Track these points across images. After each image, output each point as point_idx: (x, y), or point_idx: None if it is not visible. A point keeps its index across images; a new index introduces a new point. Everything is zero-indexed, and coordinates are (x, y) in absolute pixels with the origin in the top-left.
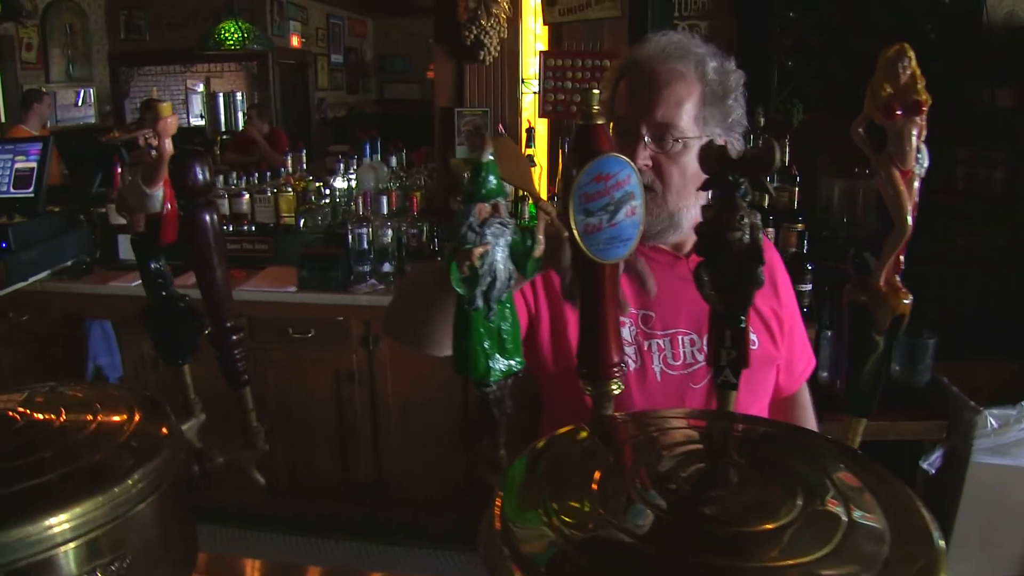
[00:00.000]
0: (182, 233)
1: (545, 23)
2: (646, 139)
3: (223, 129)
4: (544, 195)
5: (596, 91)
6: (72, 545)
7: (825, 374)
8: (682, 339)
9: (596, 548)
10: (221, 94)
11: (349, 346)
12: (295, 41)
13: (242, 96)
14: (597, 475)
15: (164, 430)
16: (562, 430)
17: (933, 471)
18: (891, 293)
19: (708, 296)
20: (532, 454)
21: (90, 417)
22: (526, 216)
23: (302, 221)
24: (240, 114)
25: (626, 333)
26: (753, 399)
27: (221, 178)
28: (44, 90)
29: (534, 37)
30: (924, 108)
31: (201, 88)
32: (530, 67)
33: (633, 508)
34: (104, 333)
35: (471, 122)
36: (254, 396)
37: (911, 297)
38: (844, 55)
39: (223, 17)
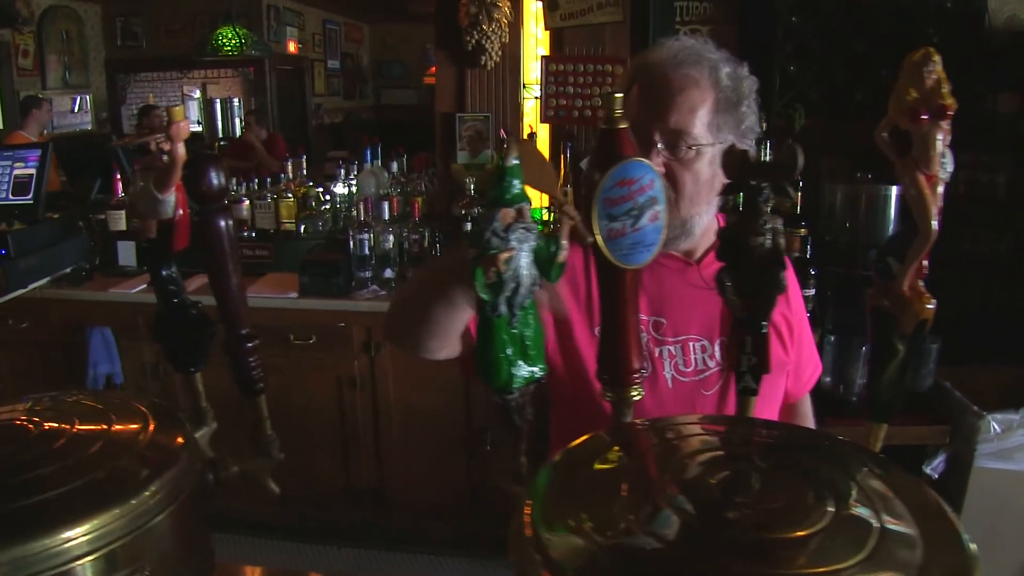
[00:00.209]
0: (192, 239)
1: (547, 28)
2: (659, 145)
3: (220, 135)
4: (544, 201)
5: (619, 95)
6: (90, 558)
7: (828, 379)
8: (693, 345)
9: (628, 554)
10: (218, 100)
11: (351, 352)
12: (292, 47)
13: (239, 102)
14: (624, 481)
15: (179, 439)
16: (585, 437)
17: (936, 476)
18: (915, 298)
19: (730, 301)
20: (558, 461)
21: (104, 426)
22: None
23: (303, 227)
24: (237, 120)
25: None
26: (763, 405)
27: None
28: (42, 96)
29: (535, 42)
30: (950, 112)
31: (197, 94)
32: (531, 72)
33: (663, 514)
34: (104, 340)
35: (472, 127)
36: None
37: (935, 302)
38: (846, 60)
39: (220, 23)
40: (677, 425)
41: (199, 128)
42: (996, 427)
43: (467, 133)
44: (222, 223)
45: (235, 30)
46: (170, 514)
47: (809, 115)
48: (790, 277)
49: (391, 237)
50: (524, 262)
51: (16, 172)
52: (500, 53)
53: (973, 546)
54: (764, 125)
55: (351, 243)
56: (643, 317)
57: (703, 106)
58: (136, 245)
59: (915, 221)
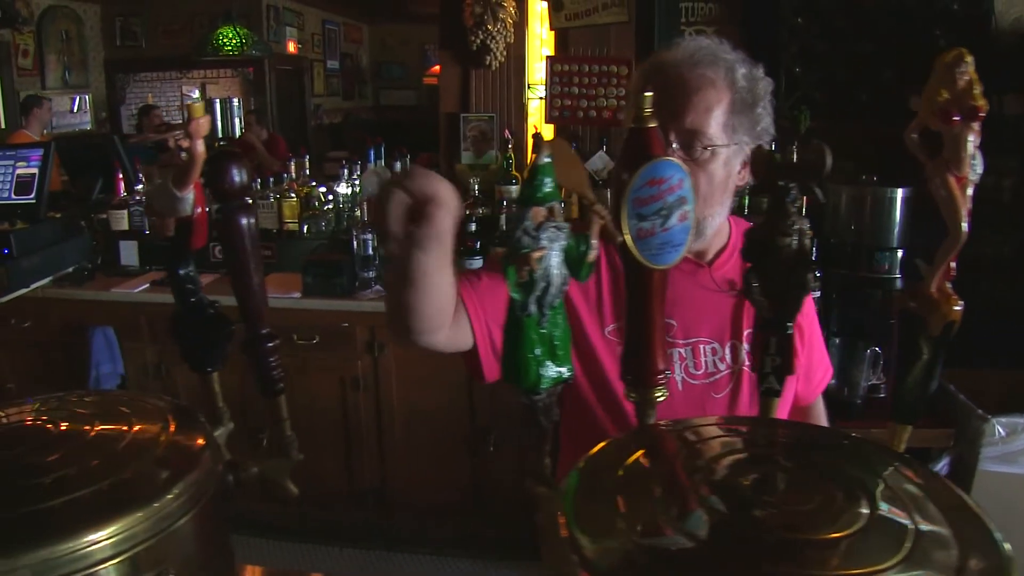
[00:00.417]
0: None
1: (552, 28)
2: (674, 145)
3: (220, 135)
4: None
5: (648, 94)
6: (113, 562)
7: (833, 382)
8: (704, 348)
9: (664, 554)
10: (218, 100)
11: (354, 352)
12: (291, 47)
13: (239, 102)
14: (655, 482)
15: (201, 440)
16: (613, 439)
17: None
18: (943, 300)
19: (757, 302)
20: (587, 463)
21: (125, 427)
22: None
23: (305, 227)
24: (237, 120)
25: None
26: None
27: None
28: (44, 95)
29: (540, 42)
30: (982, 114)
31: (196, 94)
32: (536, 72)
33: (697, 515)
34: (107, 340)
35: (476, 127)
36: (258, 403)
37: (962, 304)
38: (851, 61)
39: (221, 23)
40: (701, 426)
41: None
42: (1001, 430)
43: (471, 133)
44: (244, 221)
45: (235, 30)
46: (194, 516)
47: (814, 117)
48: None
49: None
50: (555, 261)
51: (18, 171)
52: (505, 53)
53: (1007, 546)
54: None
55: (354, 243)
56: None
57: (719, 106)
58: (139, 244)
59: (944, 222)
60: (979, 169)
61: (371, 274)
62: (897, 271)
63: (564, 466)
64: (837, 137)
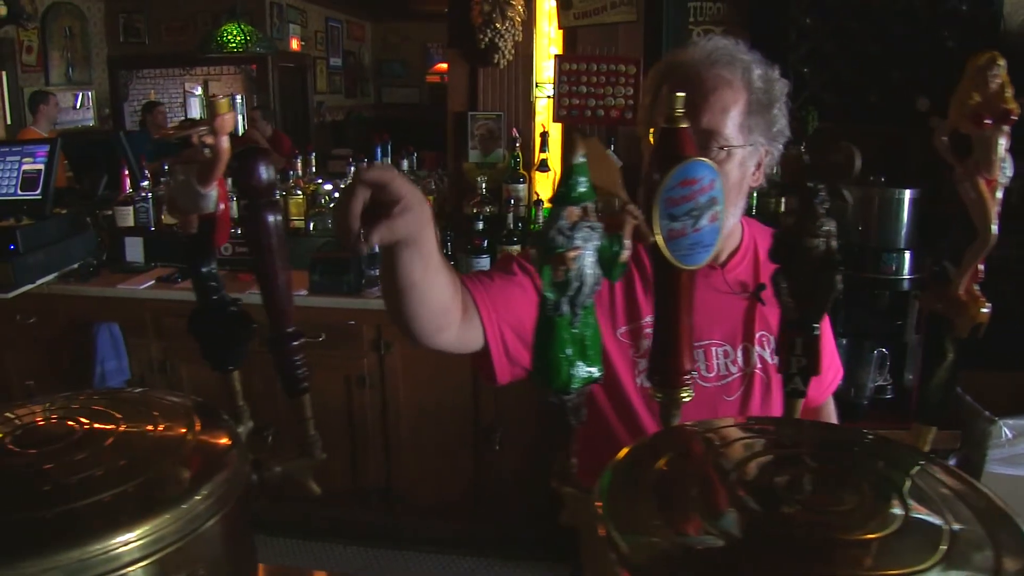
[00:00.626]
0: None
1: (560, 27)
2: None
3: None
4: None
5: (681, 94)
6: (141, 565)
7: (841, 382)
8: (716, 351)
9: (701, 552)
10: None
11: (360, 350)
12: (294, 44)
13: (242, 99)
14: (688, 482)
15: (227, 440)
16: (643, 439)
17: None
18: (971, 301)
19: (785, 303)
20: (619, 463)
21: (151, 427)
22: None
23: (312, 224)
24: (240, 117)
25: None
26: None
27: (229, 181)
28: (50, 91)
29: (548, 41)
30: (1014, 117)
31: (199, 91)
32: (544, 71)
33: (732, 514)
34: (112, 336)
35: (484, 126)
36: (264, 400)
37: (990, 306)
38: (860, 62)
39: (224, 20)
40: (728, 427)
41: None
42: (1008, 432)
43: (479, 132)
44: (271, 218)
45: (240, 27)
46: (222, 518)
47: (822, 117)
48: None
49: None
50: (588, 261)
51: (24, 168)
52: (513, 52)
53: None
54: None
55: None
56: None
57: (735, 107)
58: (144, 240)
59: (974, 224)
60: (1009, 172)
61: (377, 272)
62: (904, 272)
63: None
64: (845, 138)
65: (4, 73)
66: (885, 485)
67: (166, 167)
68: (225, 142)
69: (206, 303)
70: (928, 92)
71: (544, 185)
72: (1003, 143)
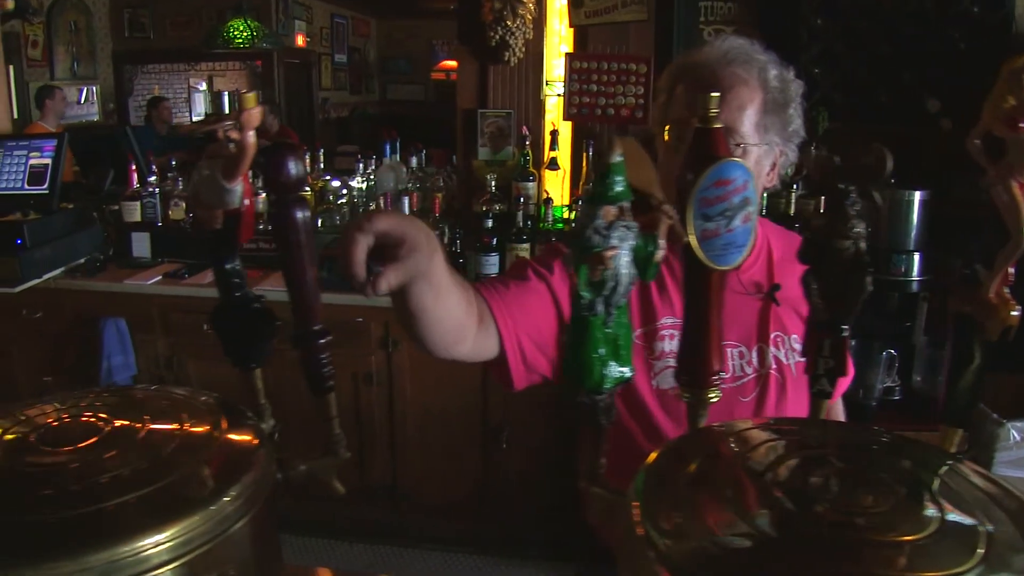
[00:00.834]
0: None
1: (571, 25)
2: None
3: None
4: (567, 199)
5: (715, 95)
6: (171, 567)
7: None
8: (731, 352)
9: (740, 551)
10: (226, 93)
11: (368, 348)
12: (300, 40)
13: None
14: (723, 482)
15: (254, 439)
16: (674, 441)
17: None
18: (1001, 304)
19: (815, 304)
20: (652, 464)
21: (177, 425)
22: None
23: (320, 221)
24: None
25: (676, 345)
26: (800, 412)
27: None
28: (55, 85)
29: (559, 39)
30: None
31: (203, 87)
32: (554, 69)
33: (770, 514)
34: (118, 331)
35: (494, 124)
36: (271, 397)
37: (1020, 308)
38: (871, 63)
39: (230, 15)
40: (756, 428)
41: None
42: (1015, 435)
43: (488, 129)
44: (299, 214)
45: (246, 22)
46: (251, 518)
47: (832, 118)
48: None
49: None
50: (623, 261)
51: (32, 162)
52: (523, 49)
53: None
54: None
55: None
56: (680, 321)
57: (751, 105)
58: (151, 236)
59: (1006, 227)
60: None
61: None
62: (913, 274)
63: (585, 465)
64: (855, 139)
65: (12, 67)
66: (917, 486)
67: (173, 163)
68: (251, 137)
69: (229, 299)
70: (938, 93)
71: (554, 183)
72: None
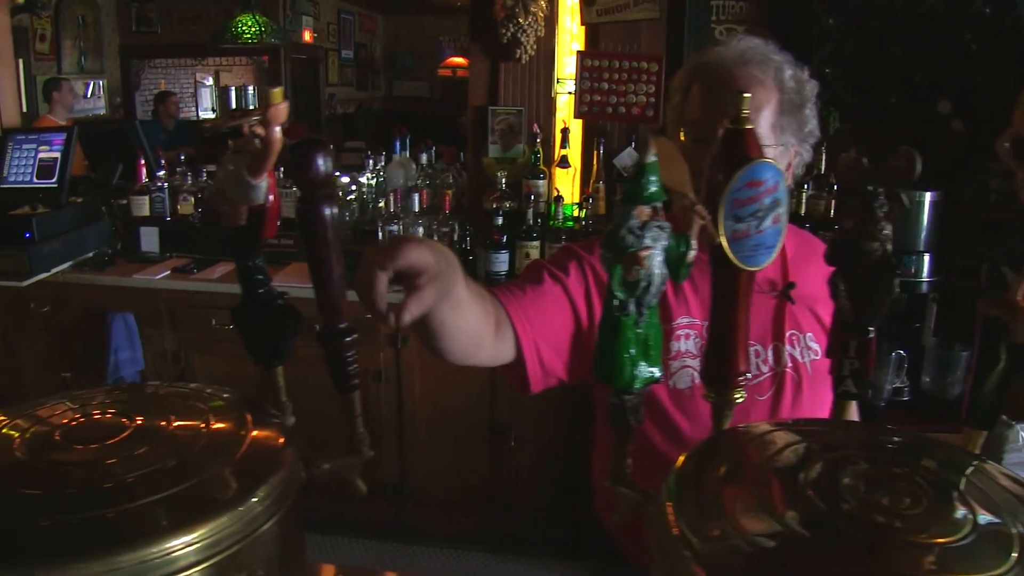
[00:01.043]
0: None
1: (583, 23)
2: None
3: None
4: (577, 197)
5: (747, 95)
6: (200, 568)
7: None
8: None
9: (774, 550)
10: (233, 88)
11: (377, 345)
12: (307, 36)
13: (254, 90)
14: (753, 483)
15: (281, 438)
16: (701, 444)
17: None
18: None
19: (842, 305)
20: (683, 465)
21: (203, 424)
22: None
23: None
24: (252, 108)
25: (691, 345)
26: (816, 410)
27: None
28: (63, 78)
29: (570, 37)
30: None
31: (210, 82)
32: (566, 67)
33: (806, 514)
34: (126, 326)
35: (505, 121)
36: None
37: None
38: (882, 64)
39: (238, 11)
40: (780, 430)
41: (213, 116)
42: None
43: (499, 127)
44: (327, 211)
45: (255, 17)
46: (279, 519)
47: (843, 118)
48: None
49: (420, 230)
50: (656, 261)
51: (41, 155)
52: (535, 47)
53: None
54: None
55: (379, 233)
56: (696, 321)
57: (768, 106)
58: (159, 230)
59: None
60: None
61: None
62: (923, 275)
63: (600, 466)
64: (865, 140)
65: (20, 61)
66: (946, 487)
67: (182, 157)
68: (277, 132)
69: (252, 296)
70: (950, 95)
71: (564, 181)
72: None
